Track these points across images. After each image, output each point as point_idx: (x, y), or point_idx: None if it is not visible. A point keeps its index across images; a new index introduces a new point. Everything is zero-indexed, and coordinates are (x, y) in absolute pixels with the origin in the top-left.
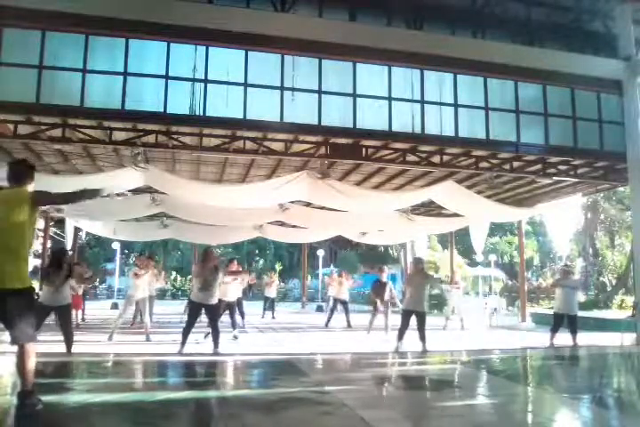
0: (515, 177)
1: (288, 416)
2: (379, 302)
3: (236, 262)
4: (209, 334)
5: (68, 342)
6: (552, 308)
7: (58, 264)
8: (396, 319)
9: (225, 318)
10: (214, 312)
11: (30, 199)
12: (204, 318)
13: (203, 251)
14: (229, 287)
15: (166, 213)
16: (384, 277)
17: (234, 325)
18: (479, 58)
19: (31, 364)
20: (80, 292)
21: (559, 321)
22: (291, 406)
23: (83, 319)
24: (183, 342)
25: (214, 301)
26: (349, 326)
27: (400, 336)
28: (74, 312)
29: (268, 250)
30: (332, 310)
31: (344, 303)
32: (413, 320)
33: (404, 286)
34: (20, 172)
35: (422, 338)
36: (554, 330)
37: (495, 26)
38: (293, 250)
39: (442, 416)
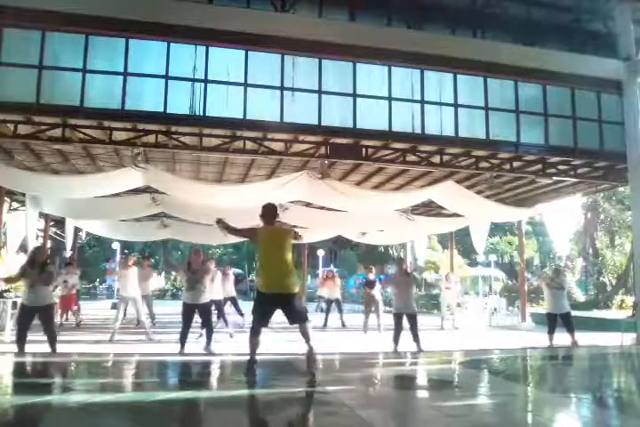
0: (515, 177)
1: (288, 416)
2: (367, 299)
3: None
4: (201, 335)
5: (52, 341)
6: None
7: (32, 264)
8: (388, 318)
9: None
10: (207, 311)
11: (292, 236)
12: (198, 319)
13: (190, 252)
14: (214, 285)
15: (166, 213)
16: (371, 277)
17: (226, 323)
18: (479, 58)
19: (311, 335)
20: (66, 292)
21: (553, 321)
22: (291, 406)
23: (80, 320)
24: (182, 344)
25: (204, 300)
26: (343, 325)
27: (395, 339)
28: (70, 313)
29: None
30: (328, 311)
31: (337, 302)
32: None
33: (390, 287)
34: (273, 212)
35: (415, 338)
36: (550, 331)
37: (495, 26)
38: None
39: (442, 416)
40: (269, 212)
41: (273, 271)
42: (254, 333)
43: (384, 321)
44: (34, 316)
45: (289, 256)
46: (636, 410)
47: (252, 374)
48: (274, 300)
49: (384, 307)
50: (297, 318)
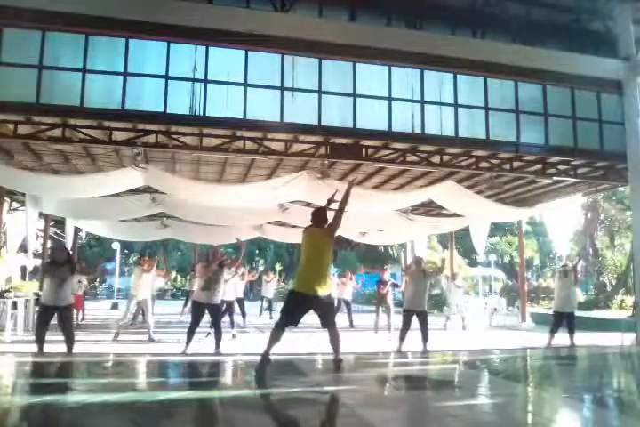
0: (515, 177)
1: (288, 416)
2: (378, 298)
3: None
4: (209, 333)
5: (69, 342)
6: (551, 307)
7: (58, 261)
8: (398, 318)
9: (225, 318)
10: (217, 312)
11: (328, 233)
12: (206, 317)
13: (207, 250)
14: (227, 286)
15: (166, 213)
16: (386, 277)
17: (233, 324)
18: (479, 58)
19: (340, 339)
20: (80, 292)
21: (559, 320)
22: (291, 406)
23: (83, 318)
24: (188, 342)
25: (217, 300)
26: (352, 326)
27: (401, 337)
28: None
29: (267, 250)
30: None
31: (347, 303)
32: (415, 321)
33: (404, 285)
34: (323, 216)
35: (424, 338)
36: (553, 331)
37: (495, 26)
38: (293, 250)
39: (442, 416)
40: (316, 217)
41: (308, 272)
42: (278, 327)
43: (394, 321)
44: (53, 315)
45: (326, 259)
46: (635, 410)
47: (262, 372)
48: (302, 300)
49: (394, 307)
50: (324, 320)
